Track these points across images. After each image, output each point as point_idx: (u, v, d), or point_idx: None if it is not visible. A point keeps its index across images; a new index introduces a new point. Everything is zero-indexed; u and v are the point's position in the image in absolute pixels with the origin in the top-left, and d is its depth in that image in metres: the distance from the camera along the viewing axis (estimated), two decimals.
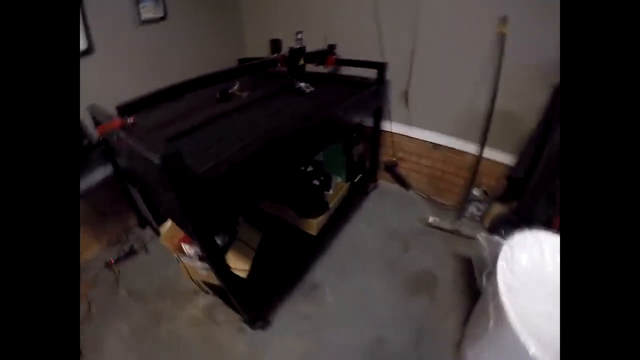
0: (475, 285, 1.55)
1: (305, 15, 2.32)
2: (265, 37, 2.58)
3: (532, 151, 1.63)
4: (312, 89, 1.77)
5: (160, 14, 2.06)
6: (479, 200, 2.14)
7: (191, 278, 1.80)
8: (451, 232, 2.14)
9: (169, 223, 1.92)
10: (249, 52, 2.65)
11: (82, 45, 1.87)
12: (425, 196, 2.41)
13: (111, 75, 2.06)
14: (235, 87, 1.89)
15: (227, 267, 1.40)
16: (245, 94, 1.86)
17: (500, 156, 1.96)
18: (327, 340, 1.63)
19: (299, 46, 1.73)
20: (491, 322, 1.18)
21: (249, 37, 2.68)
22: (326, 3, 2.22)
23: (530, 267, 1.33)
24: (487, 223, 2.11)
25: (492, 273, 1.27)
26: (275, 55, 1.77)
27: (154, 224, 2.03)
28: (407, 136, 2.26)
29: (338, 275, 1.93)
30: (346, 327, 1.68)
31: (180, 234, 1.78)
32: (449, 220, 2.20)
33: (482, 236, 1.51)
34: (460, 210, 2.22)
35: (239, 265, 1.71)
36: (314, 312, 1.77)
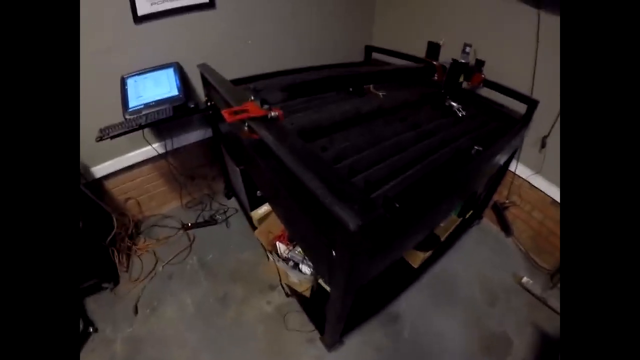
0: None
1: (448, 17, 2.03)
2: (398, 29, 2.34)
3: None
4: (464, 113, 1.52)
5: None
6: None
7: (280, 279, 1.68)
8: (539, 299, 1.92)
9: (263, 208, 1.80)
10: (376, 40, 2.40)
11: None
12: (523, 250, 2.17)
13: (228, 34, 1.89)
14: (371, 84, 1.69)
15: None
16: (381, 93, 1.64)
17: None
18: None
19: (464, 61, 1.48)
20: None
21: (380, 23, 2.42)
22: (475, 10, 1.91)
23: None
24: None
25: None
26: (435, 62, 1.53)
27: (245, 204, 1.91)
28: (529, 183, 2.00)
29: (420, 313, 1.79)
30: None
31: (278, 230, 1.66)
32: (540, 285, 1.97)
33: None
34: (554, 277, 1.99)
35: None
36: (388, 346, 1.64)
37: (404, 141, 1.29)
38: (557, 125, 1.76)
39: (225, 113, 1.05)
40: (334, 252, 0.80)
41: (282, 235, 1.68)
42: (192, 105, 1.74)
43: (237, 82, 1.71)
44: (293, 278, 1.56)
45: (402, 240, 1.11)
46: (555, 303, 1.87)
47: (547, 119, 1.72)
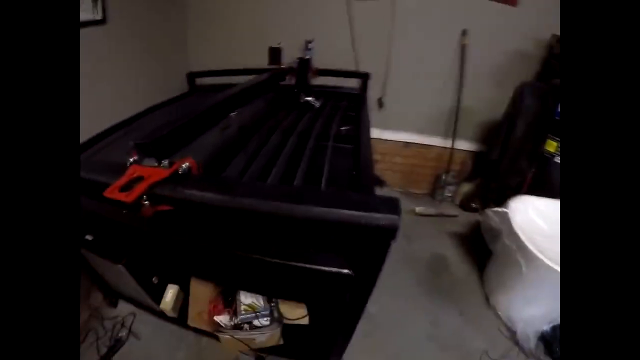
0: (478, 253, 1.99)
1: (259, 21, 2.21)
2: (213, 48, 2.29)
3: (502, 138, 2.04)
4: (319, 102, 1.67)
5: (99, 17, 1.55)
6: (449, 184, 2.50)
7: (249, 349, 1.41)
8: (437, 215, 2.42)
9: (170, 292, 1.47)
10: (193, 65, 2.26)
11: None
12: (401, 190, 2.63)
13: None
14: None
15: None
16: (232, 114, 1.54)
17: (464, 144, 2.37)
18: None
19: (308, 57, 1.62)
20: (523, 268, 1.45)
21: (194, 46, 2.31)
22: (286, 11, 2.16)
23: (531, 222, 1.67)
24: (457, 200, 2.52)
25: (511, 234, 1.54)
26: (284, 66, 1.60)
27: (145, 301, 1.49)
28: (381, 139, 2.42)
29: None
30: (402, 327, 1.71)
31: (204, 305, 1.41)
32: (431, 206, 2.48)
33: (490, 211, 1.75)
34: (434, 195, 2.55)
35: (296, 314, 1.45)
36: (368, 329, 1.70)
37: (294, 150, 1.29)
38: (387, 88, 2.23)
39: (111, 194, 0.64)
40: (349, 271, 0.76)
41: (214, 307, 1.42)
42: None
43: None
44: (261, 338, 1.37)
45: None
46: (449, 210, 2.45)
47: (377, 84, 2.13)
